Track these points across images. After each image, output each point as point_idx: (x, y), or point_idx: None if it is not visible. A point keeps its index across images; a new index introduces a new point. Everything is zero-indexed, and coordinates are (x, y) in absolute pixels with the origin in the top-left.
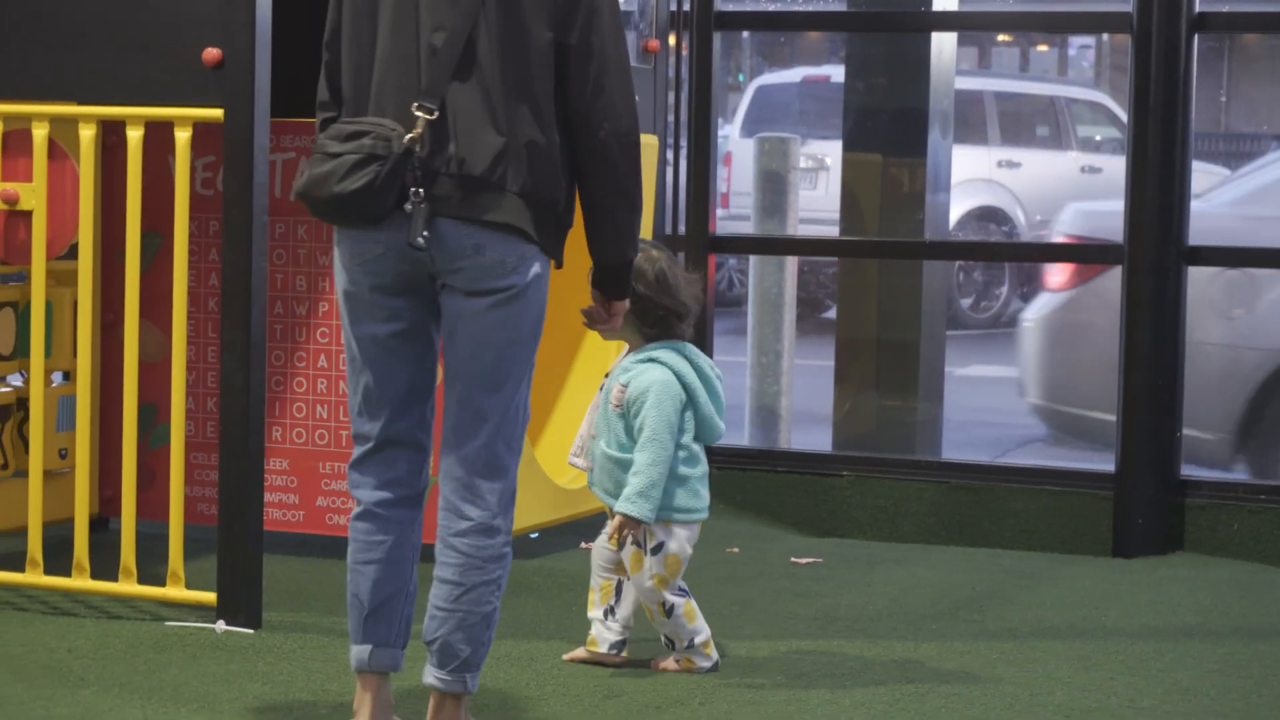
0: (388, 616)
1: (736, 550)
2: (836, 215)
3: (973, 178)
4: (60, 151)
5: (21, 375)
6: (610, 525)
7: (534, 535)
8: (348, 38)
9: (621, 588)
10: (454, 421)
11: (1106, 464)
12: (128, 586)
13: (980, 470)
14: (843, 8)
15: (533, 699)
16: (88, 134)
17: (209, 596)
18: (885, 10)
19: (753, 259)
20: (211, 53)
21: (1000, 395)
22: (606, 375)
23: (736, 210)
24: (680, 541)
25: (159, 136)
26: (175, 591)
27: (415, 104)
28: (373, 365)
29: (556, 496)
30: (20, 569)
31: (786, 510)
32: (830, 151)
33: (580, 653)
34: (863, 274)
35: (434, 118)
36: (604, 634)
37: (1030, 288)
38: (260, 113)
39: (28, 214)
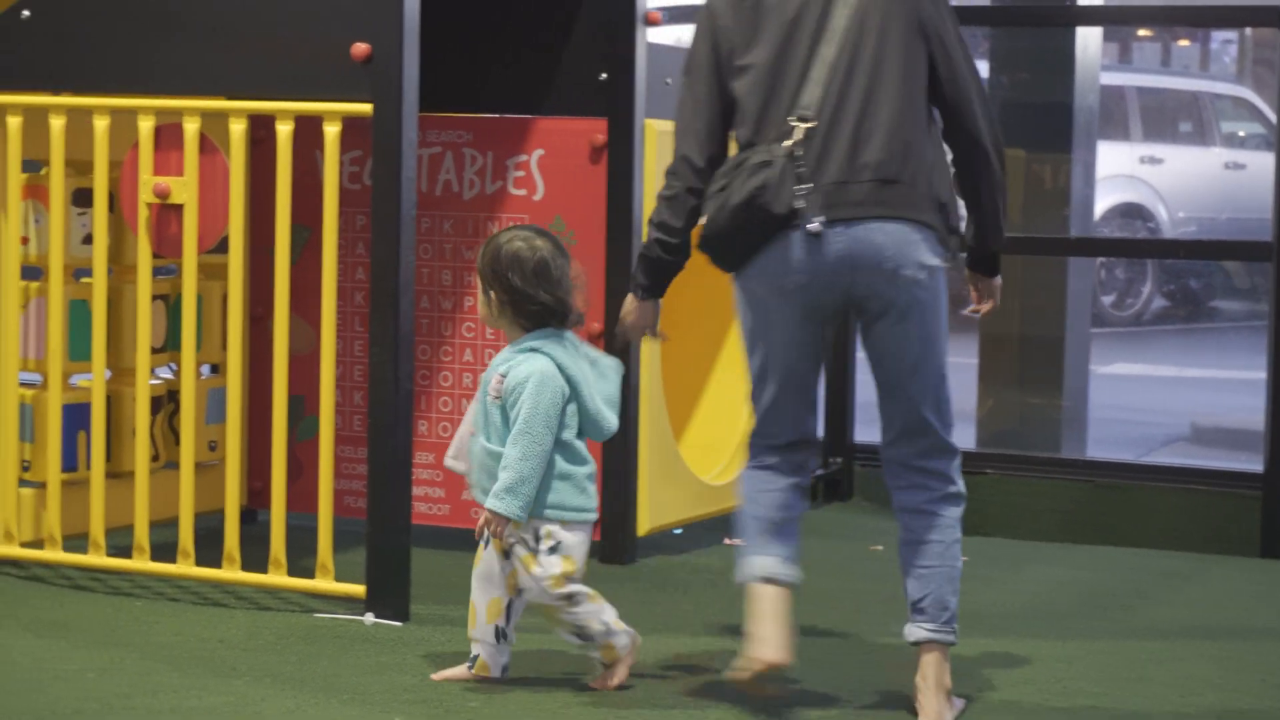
0: (790, 534)
1: (880, 548)
2: None
3: (1115, 174)
4: (211, 146)
5: (171, 368)
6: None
7: (678, 531)
8: (740, 97)
9: (512, 606)
10: (901, 425)
11: (1255, 464)
12: (277, 578)
13: (1126, 469)
14: (987, 2)
15: (679, 692)
16: (238, 129)
17: (358, 589)
18: (1031, 5)
19: None
20: (360, 47)
21: (1144, 394)
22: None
23: None
24: (573, 543)
25: (305, 131)
26: (324, 583)
27: (793, 115)
28: (783, 376)
29: (700, 492)
30: (172, 560)
31: None
32: None
33: (458, 672)
34: (1007, 270)
35: (813, 125)
36: (496, 657)
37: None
38: (409, 107)
39: (179, 208)
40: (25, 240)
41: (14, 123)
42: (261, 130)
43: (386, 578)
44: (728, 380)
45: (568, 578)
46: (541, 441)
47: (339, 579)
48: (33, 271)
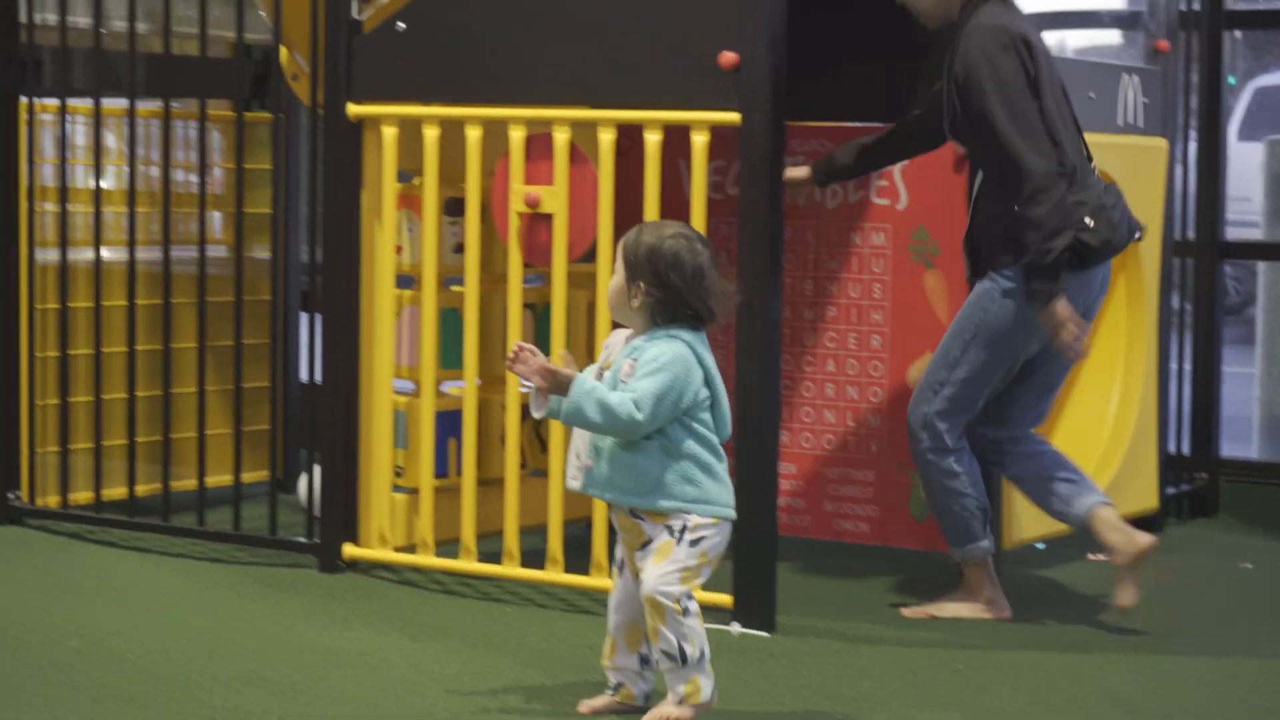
0: None
1: (1250, 566)
2: None
3: None
4: (580, 155)
5: None
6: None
7: (1040, 546)
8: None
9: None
10: (1038, 413)
11: None
12: None
13: None
14: None
15: (1044, 705)
16: (606, 138)
17: (724, 598)
18: None
19: (1262, 266)
20: (729, 56)
21: None
22: (603, 366)
23: (1232, 215)
24: (716, 543)
25: (667, 140)
26: None
27: (1091, 163)
28: (1010, 375)
29: None
30: (540, 566)
31: None
32: None
33: (601, 701)
34: None
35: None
36: (640, 684)
37: None
38: (776, 117)
39: (549, 217)
40: (399, 249)
41: (389, 133)
42: (625, 140)
43: (753, 587)
44: (1093, 390)
45: (698, 573)
46: (651, 420)
47: (705, 588)
48: (405, 280)
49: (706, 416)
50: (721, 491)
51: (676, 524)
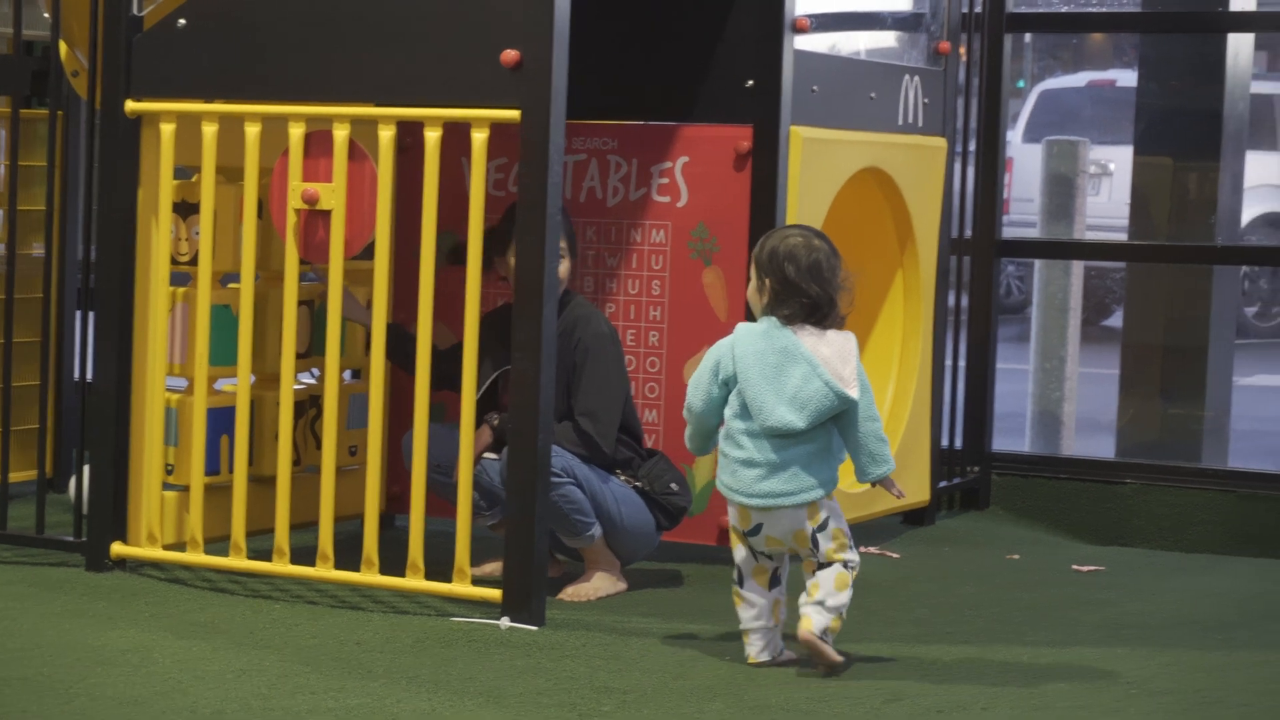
0: None
1: (1017, 557)
2: (1118, 221)
3: (1261, 183)
4: (360, 152)
5: (313, 374)
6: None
7: None
8: None
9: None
10: None
11: None
12: (415, 582)
13: (1269, 480)
14: (1137, 8)
15: (815, 699)
16: (386, 135)
17: (494, 593)
18: (1182, 10)
19: (1038, 264)
20: (510, 54)
21: None
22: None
23: (1016, 216)
24: (732, 516)
25: (449, 137)
26: (461, 588)
27: None
28: None
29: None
30: (311, 563)
31: (1068, 517)
32: (1114, 157)
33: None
34: (1151, 279)
35: None
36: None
37: None
38: (557, 114)
39: (327, 214)
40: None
41: (167, 130)
42: (408, 137)
43: (523, 583)
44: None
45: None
46: (689, 397)
47: (477, 583)
48: (181, 277)
49: (738, 405)
50: (722, 472)
51: None
